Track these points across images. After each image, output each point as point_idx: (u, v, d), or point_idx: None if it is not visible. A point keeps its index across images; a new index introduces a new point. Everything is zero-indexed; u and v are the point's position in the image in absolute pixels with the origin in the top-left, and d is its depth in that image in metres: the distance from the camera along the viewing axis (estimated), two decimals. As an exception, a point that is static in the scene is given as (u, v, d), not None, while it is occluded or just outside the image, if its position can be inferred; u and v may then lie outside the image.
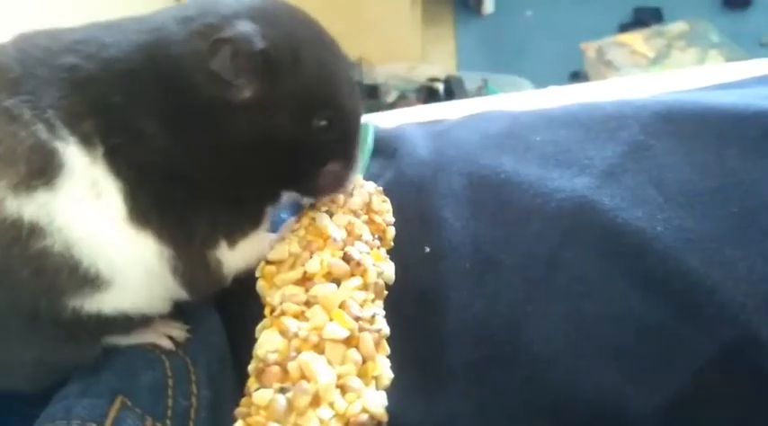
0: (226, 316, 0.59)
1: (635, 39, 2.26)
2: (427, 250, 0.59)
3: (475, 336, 0.56)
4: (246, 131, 0.49)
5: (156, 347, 0.55)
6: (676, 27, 2.28)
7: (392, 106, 1.94)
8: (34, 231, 0.45)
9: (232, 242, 0.52)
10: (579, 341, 0.55)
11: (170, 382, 0.53)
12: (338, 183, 0.56)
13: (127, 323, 0.52)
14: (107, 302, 0.49)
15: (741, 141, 0.60)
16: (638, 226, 0.56)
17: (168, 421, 0.51)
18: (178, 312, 0.56)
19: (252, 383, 0.46)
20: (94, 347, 0.53)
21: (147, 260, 0.49)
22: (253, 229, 0.54)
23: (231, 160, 0.49)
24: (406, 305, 0.57)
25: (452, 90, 2.01)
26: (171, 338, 0.55)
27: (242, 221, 0.53)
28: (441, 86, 2.03)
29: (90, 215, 0.46)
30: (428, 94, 2.01)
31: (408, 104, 1.93)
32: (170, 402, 0.52)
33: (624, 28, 2.43)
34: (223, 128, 0.48)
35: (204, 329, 0.58)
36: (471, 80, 2.05)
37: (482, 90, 2.04)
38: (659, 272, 0.54)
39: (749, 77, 0.79)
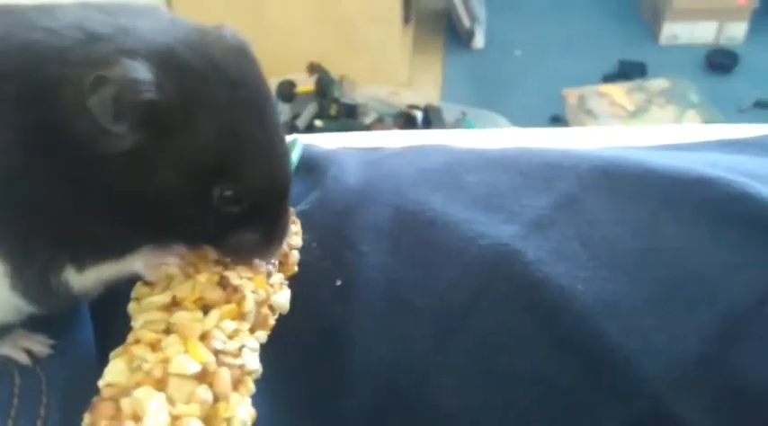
0: (105, 327, 0.52)
1: (617, 90, 2.28)
2: (339, 283, 0.54)
3: (377, 381, 0.52)
4: (120, 180, 0.40)
5: (9, 361, 0.48)
6: (658, 83, 2.30)
7: (368, 128, 1.90)
8: None
9: (80, 268, 0.44)
10: (485, 398, 0.51)
11: (15, 402, 0.47)
12: (252, 254, 0.47)
13: None
14: None
15: (677, 207, 0.56)
16: (559, 283, 0.51)
17: None
18: (43, 322, 0.49)
19: (85, 417, 0.39)
20: None
21: None
22: (112, 259, 0.45)
23: (97, 200, 0.41)
24: (310, 338, 0.53)
25: (430, 119, 1.97)
26: (30, 352, 0.49)
27: (98, 251, 0.44)
28: (419, 114, 1.98)
29: None
30: (406, 121, 1.97)
31: (385, 128, 1.90)
32: (11, 423, 0.46)
33: (608, 78, 2.44)
34: (93, 168, 0.40)
35: (70, 343, 0.51)
36: (450, 111, 2.01)
37: (460, 122, 2.00)
38: (575, 334, 0.50)
39: (703, 141, 0.75)
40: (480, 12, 2.73)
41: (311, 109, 1.94)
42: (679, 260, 0.53)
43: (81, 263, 0.44)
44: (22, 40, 0.40)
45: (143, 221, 0.43)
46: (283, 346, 0.48)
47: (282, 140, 0.45)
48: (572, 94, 2.26)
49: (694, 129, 0.92)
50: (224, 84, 0.41)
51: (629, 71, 2.45)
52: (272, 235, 0.46)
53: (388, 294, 0.54)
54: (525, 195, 0.59)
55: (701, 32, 2.64)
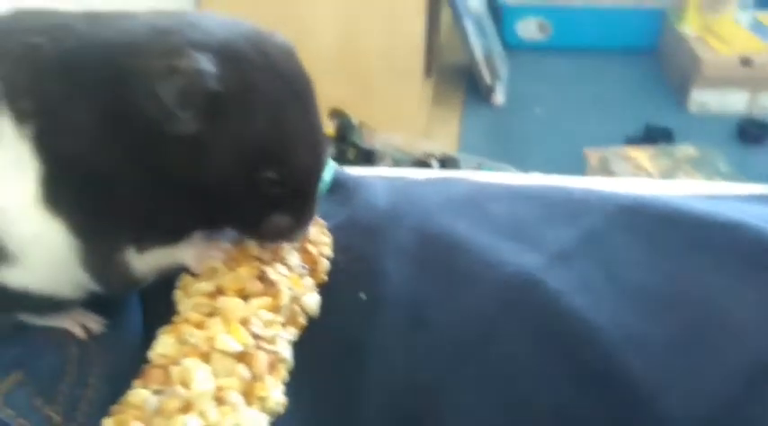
0: (152, 313, 0.59)
1: (641, 154, 2.28)
2: (363, 297, 0.59)
3: (392, 397, 0.55)
4: (180, 162, 0.47)
5: (67, 334, 0.55)
6: (685, 150, 2.30)
7: (385, 174, 1.96)
8: None
9: (140, 249, 0.51)
10: (500, 423, 0.54)
11: (70, 368, 0.53)
12: (282, 236, 0.53)
13: (36, 301, 0.52)
14: (12, 276, 0.49)
15: (705, 249, 0.59)
16: (582, 315, 0.55)
17: (59, 407, 0.51)
18: (99, 304, 0.56)
19: (135, 383, 0.46)
20: (4, 319, 0.54)
21: (54, 247, 0.48)
22: (169, 243, 0.52)
23: (158, 182, 0.48)
24: (331, 347, 0.57)
25: (447, 169, 2.02)
26: (86, 328, 0.55)
27: (156, 234, 0.51)
28: (436, 163, 2.04)
29: (8, 187, 0.47)
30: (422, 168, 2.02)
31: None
32: (65, 387, 0.52)
33: (631, 141, 2.44)
34: (157, 151, 0.47)
35: (122, 325, 0.57)
36: (467, 162, 2.07)
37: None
38: (597, 367, 0.53)
39: (730, 194, 0.79)
40: (502, 69, 2.81)
41: (329, 152, 1.99)
42: (706, 302, 0.56)
43: (141, 245, 0.50)
44: (103, 38, 0.48)
45: (195, 203, 0.49)
46: (304, 353, 0.52)
47: (321, 131, 0.53)
48: (593, 155, 2.28)
49: (717, 186, 0.95)
50: (277, 78, 0.48)
51: (654, 136, 2.46)
52: (302, 217, 0.53)
53: (410, 313, 0.58)
54: (549, 227, 0.63)
55: (733, 101, 2.66)
